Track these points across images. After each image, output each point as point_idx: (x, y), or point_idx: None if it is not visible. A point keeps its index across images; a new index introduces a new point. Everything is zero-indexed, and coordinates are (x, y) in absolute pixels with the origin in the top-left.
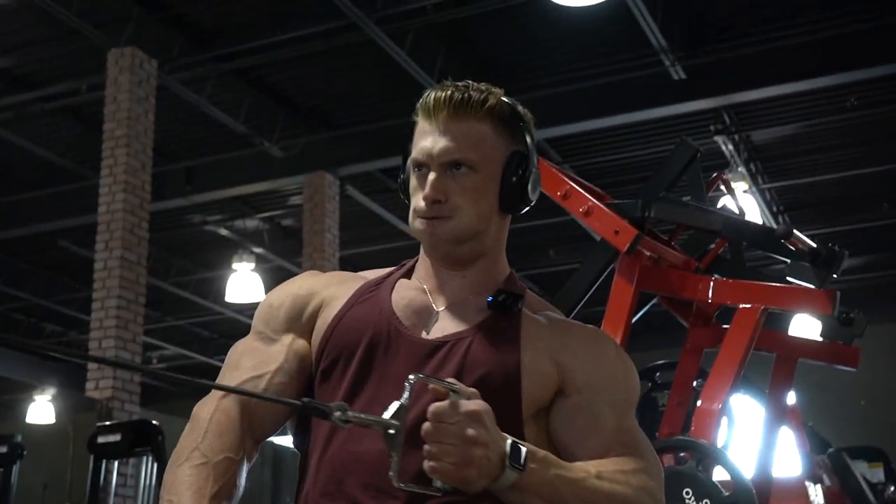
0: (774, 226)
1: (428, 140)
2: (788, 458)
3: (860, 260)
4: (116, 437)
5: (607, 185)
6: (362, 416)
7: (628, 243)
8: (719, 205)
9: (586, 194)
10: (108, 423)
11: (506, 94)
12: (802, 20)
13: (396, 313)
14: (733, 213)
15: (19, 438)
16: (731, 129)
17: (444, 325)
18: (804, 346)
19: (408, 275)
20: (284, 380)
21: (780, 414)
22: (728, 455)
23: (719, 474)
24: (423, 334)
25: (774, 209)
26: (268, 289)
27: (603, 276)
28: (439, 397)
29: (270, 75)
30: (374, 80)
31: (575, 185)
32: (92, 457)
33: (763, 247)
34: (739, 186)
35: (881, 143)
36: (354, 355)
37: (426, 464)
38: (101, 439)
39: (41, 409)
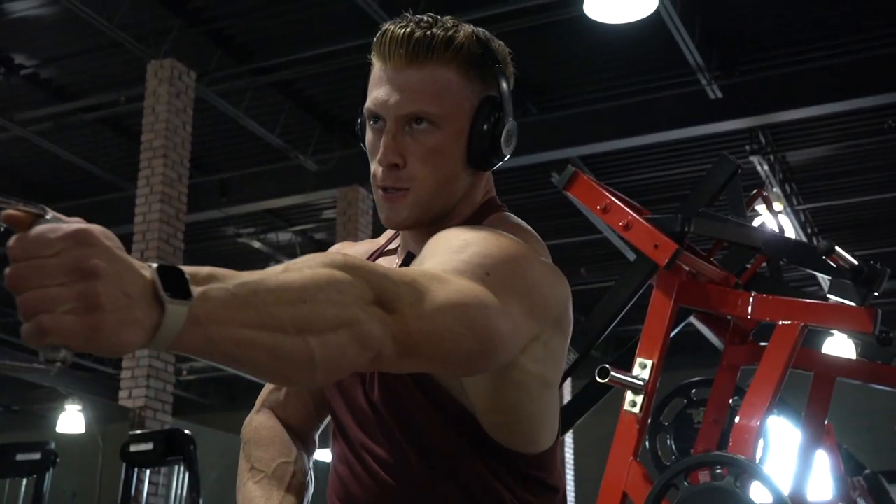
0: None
1: (383, 89)
2: (822, 480)
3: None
4: (149, 446)
5: (642, 203)
6: None
7: (668, 258)
8: (758, 222)
9: (626, 208)
10: (140, 431)
11: (478, 26)
12: (839, 41)
13: None
14: (773, 229)
15: (52, 446)
16: (766, 149)
17: None
18: (842, 364)
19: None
20: (301, 390)
21: (817, 435)
22: (766, 472)
23: (756, 493)
24: None
25: (809, 230)
26: None
27: (639, 294)
28: (20, 225)
29: (307, 89)
30: None
31: (615, 199)
32: (124, 465)
33: (804, 263)
34: (774, 207)
35: None
36: None
37: (26, 327)
38: (133, 448)
39: (71, 419)
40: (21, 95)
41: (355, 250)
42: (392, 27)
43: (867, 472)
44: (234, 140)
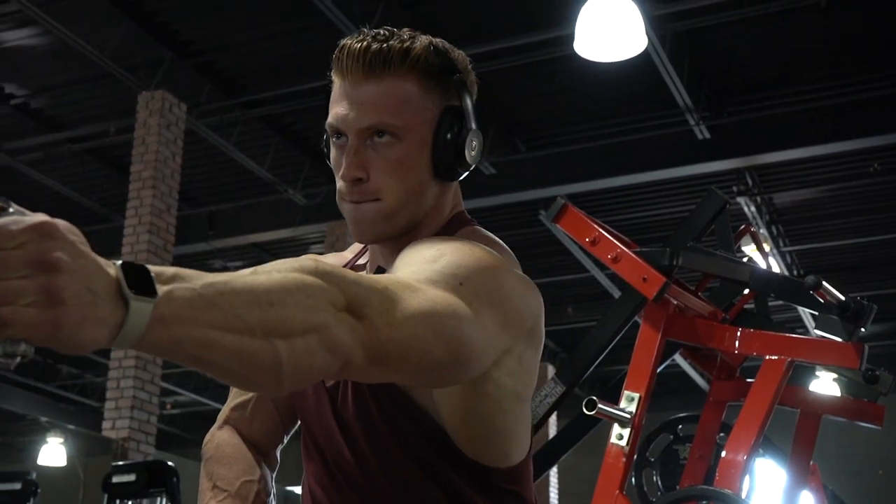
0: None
1: (343, 104)
2: None
3: (880, 327)
4: (131, 477)
5: None
6: None
7: (656, 291)
8: (745, 258)
9: (615, 241)
10: (122, 462)
11: (436, 38)
12: (827, 84)
13: None
14: (760, 265)
15: (33, 476)
16: (753, 190)
17: None
18: (829, 402)
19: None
20: (265, 399)
21: (802, 475)
22: None
23: None
24: None
25: (795, 273)
26: None
27: (626, 328)
28: None
29: (296, 123)
30: None
31: (604, 232)
32: (106, 496)
33: (791, 298)
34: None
35: None
36: None
37: None
38: (115, 479)
39: (53, 451)
40: (11, 125)
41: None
42: (349, 42)
43: None
44: (222, 173)
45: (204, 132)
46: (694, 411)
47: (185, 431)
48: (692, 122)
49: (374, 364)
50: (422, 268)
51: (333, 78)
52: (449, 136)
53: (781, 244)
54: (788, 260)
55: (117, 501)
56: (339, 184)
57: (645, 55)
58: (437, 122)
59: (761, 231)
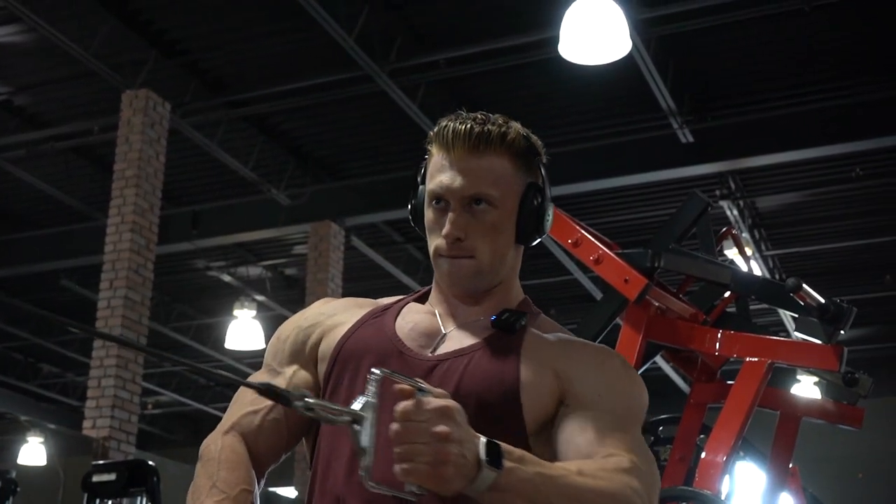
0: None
1: (447, 174)
2: None
3: (860, 332)
4: (111, 477)
5: None
6: (326, 403)
7: (638, 292)
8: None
9: (597, 243)
10: (103, 461)
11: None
12: (810, 89)
13: (399, 335)
14: (741, 266)
15: (13, 474)
16: (736, 194)
17: (449, 345)
18: (808, 404)
19: (422, 299)
20: (279, 416)
21: (782, 477)
22: None
23: None
24: (428, 354)
25: (777, 276)
26: (267, 338)
27: (607, 330)
28: (405, 396)
29: (282, 123)
30: (385, 133)
31: (586, 234)
32: (86, 496)
33: (772, 300)
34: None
35: (886, 214)
36: (357, 376)
37: (397, 467)
38: (95, 478)
39: (33, 451)
40: None
41: (331, 308)
42: (451, 123)
43: None
44: (206, 172)
45: (188, 131)
46: (675, 413)
47: (165, 431)
48: (676, 126)
49: None
50: (625, 425)
51: (432, 151)
52: (531, 208)
53: (764, 248)
54: (770, 264)
55: (97, 500)
56: (438, 241)
57: (629, 59)
58: (523, 195)
59: (743, 235)
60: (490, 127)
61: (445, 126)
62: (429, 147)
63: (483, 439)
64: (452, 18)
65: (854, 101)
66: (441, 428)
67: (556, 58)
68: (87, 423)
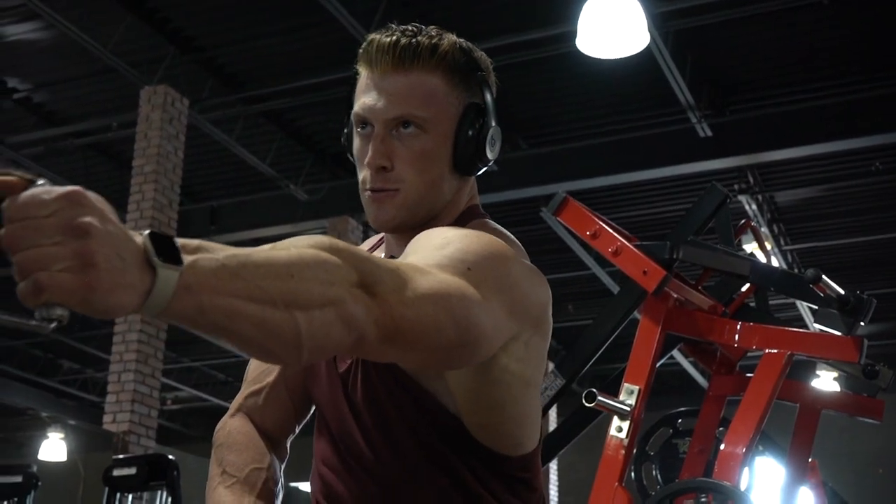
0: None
1: (370, 94)
2: None
3: (879, 327)
4: (132, 471)
5: None
6: None
7: (656, 284)
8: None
9: (616, 234)
10: (123, 456)
11: (462, 38)
12: (829, 83)
13: None
14: (760, 259)
15: (34, 469)
16: (754, 188)
17: None
18: (828, 397)
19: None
20: (280, 388)
21: (801, 470)
22: (751, 499)
23: None
24: None
25: (796, 271)
26: None
27: (625, 322)
28: (15, 189)
29: (299, 119)
30: None
31: (605, 226)
32: (106, 490)
33: (791, 292)
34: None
35: None
36: None
37: (23, 286)
38: (116, 472)
39: (54, 447)
40: (13, 119)
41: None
42: (378, 36)
43: None
44: (224, 168)
45: (206, 127)
46: (693, 406)
47: (185, 427)
48: (694, 120)
49: (387, 342)
50: (430, 254)
51: (359, 70)
52: (471, 131)
53: (782, 243)
54: (789, 259)
55: (118, 494)
56: (363, 172)
57: (647, 53)
58: (460, 117)
59: (762, 229)
60: (420, 38)
61: (371, 41)
62: (356, 68)
63: (145, 232)
64: (469, 13)
65: (874, 95)
66: (79, 219)
67: (574, 52)
68: (107, 418)
